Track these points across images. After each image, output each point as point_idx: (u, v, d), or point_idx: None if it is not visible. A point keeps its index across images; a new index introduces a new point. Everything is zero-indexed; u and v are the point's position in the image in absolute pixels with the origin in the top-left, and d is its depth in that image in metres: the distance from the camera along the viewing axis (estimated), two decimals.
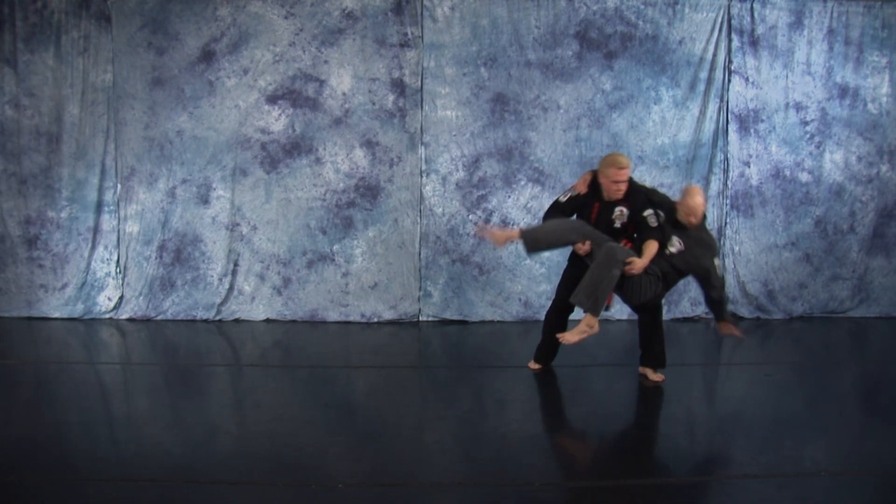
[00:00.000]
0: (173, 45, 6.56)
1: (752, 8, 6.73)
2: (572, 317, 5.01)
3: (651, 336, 4.91)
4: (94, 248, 6.73)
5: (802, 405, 4.57)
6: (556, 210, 4.93)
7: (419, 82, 6.61)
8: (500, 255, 6.73)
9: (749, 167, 6.84)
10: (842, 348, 6.30)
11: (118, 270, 6.76)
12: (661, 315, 4.99)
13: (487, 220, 6.71)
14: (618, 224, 4.82)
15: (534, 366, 5.18)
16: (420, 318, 6.78)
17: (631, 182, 4.82)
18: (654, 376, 4.91)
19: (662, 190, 6.75)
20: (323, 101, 6.61)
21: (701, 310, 6.85)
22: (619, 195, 4.78)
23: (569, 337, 4.65)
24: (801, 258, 6.95)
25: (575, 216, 4.91)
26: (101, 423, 4.21)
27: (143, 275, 6.72)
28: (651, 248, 4.66)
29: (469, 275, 6.74)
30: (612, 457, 3.76)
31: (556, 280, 6.77)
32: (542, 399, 4.71)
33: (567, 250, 5.07)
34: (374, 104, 6.62)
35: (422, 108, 6.63)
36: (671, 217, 4.78)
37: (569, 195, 4.91)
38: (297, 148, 6.64)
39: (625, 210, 4.81)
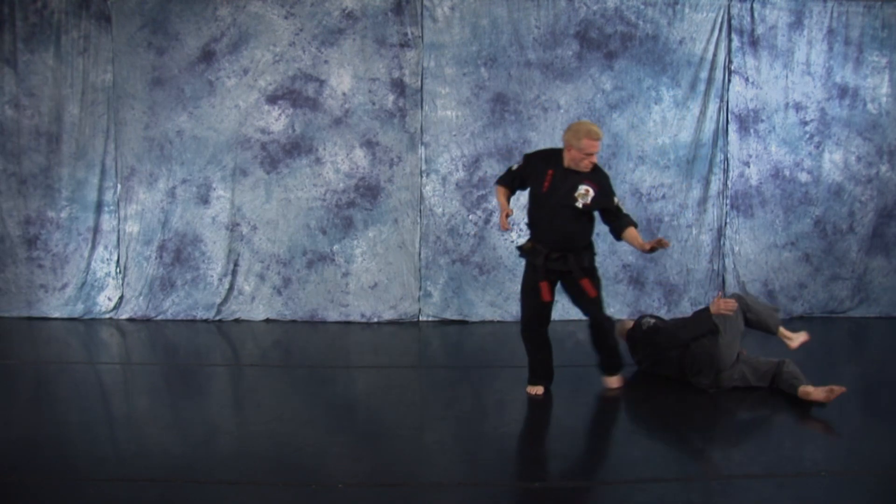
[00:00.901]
0: (173, 45, 6.56)
1: (752, 8, 6.73)
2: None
3: (603, 338, 4.67)
4: (94, 248, 6.73)
5: (802, 405, 4.57)
6: (508, 177, 4.66)
7: (419, 82, 6.61)
8: (499, 254, 6.73)
9: (749, 167, 6.84)
10: (842, 348, 6.29)
11: (118, 270, 6.76)
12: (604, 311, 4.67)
13: (487, 221, 6.71)
14: (580, 203, 4.43)
15: (535, 390, 4.73)
16: (420, 318, 6.78)
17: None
18: (612, 382, 4.78)
19: (664, 191, 6.79)
20: (323, 101, 6.61)
21: None
22: (588, 169, 4.44)
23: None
24: (801, 258, 6.95)
25: (526, 186, 4.63)
26: (101, 423, 4.21)
27: (143, 275, 6.72)
28: (637, 235, 4.52)
29: (469, 275, 6.74)
30: (611, 456, 3.76)
31: None
32: (542, 399, 4.71)
33: None
34: (374, 104, 6.62)
35: (422, 108, 6.63)
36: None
37: (521, 164, 4.64)
38: (297, 148, 6.64)
39: (591, 189, 4.44)
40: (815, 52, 6.80)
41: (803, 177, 6.89)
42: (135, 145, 6.64)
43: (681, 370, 4.81)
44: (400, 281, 6.74)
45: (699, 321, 4.72)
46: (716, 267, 6.88)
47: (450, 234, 6.71)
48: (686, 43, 6.70)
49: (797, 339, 4.79)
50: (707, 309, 4.71)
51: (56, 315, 6.71)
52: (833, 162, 6.89)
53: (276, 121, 6.62)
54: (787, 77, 6.80)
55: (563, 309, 6.78)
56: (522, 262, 6.72)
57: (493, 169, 6.67)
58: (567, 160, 4.47)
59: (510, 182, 4.69)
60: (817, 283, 6.99)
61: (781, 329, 4.80)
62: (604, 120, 6.69)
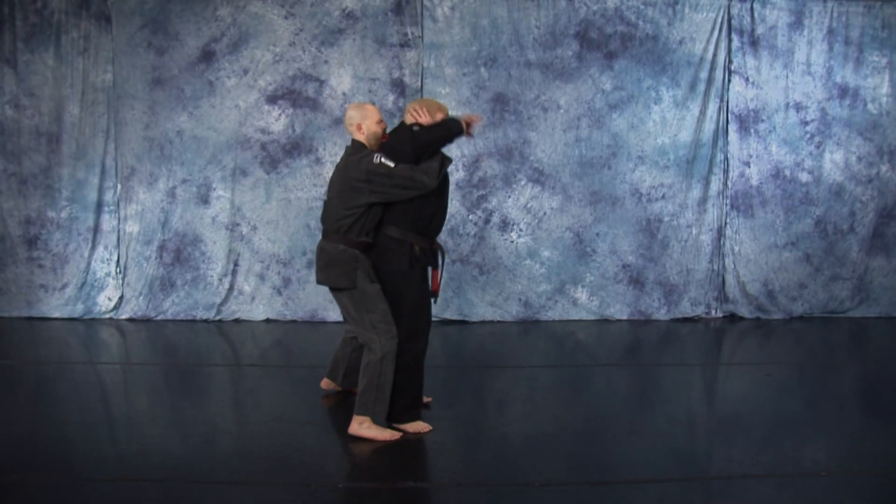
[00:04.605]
0: (173, 45, 6.56)
1: (752, 8, 6.73)
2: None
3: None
4: (94, 248, 6.73)
5: (802, 405, 4.57)
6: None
7: (419, 82, 6.61)
8: (500, 255, 6.73)
9: (749, 167, 6.84)
10: (842, 348, 6.29)
11: (118, 270, 6.76)
12: None
13: (487, 221, 6.71)
14: None
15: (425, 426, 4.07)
16: None
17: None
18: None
19: (664, 191, 6.79)
20: (323, 101, 6.61)
21: (701, 310, 6.86)
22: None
23: None
24: (801, 258, 6.95)
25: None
26: (101, 423, 4.21)
27: (143, 275, 6.72)
28: None
29: (469, 275, 6.74)
30: (612, 456, 3.76)
31: (557, 279, 6.79)
32: (542, 399, 4.71)
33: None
34: (373, 104, 6.60)
35: None
36: None
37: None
38: (297, 148, 6.64)
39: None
40: (815, 52, 6.80)
41: (804, 177, 6.88)
42: (135, 145, 6.64)
43: None
44: None
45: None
46: (716, 267, 6.88)
47: (450, 234, 6.71)
48: (686, 43, 6.70)
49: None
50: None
51: (56, 315, 6.71)
52: (833, 162, 6.89)
53: (276, 121, 6.62)
54: (787, 77, 6.80)
55: (563, 309, 6.81)
56: (522, 261, 6.76)
57: (493, 169, 6.67)
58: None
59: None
60: (817, 283, 6.99)
61: None
62: (603, 120, 6.69)
